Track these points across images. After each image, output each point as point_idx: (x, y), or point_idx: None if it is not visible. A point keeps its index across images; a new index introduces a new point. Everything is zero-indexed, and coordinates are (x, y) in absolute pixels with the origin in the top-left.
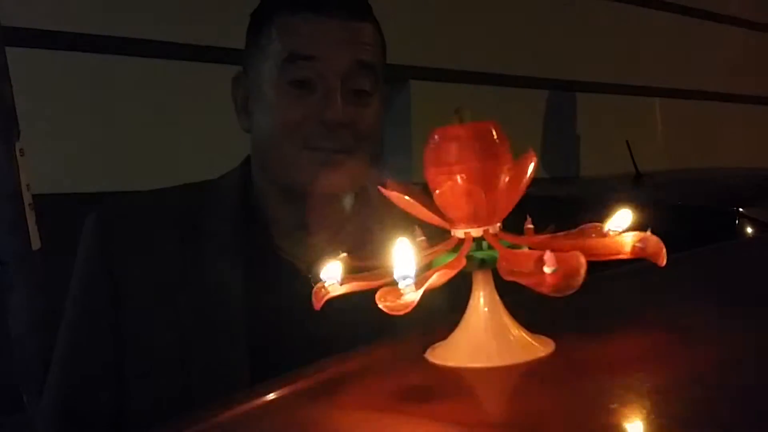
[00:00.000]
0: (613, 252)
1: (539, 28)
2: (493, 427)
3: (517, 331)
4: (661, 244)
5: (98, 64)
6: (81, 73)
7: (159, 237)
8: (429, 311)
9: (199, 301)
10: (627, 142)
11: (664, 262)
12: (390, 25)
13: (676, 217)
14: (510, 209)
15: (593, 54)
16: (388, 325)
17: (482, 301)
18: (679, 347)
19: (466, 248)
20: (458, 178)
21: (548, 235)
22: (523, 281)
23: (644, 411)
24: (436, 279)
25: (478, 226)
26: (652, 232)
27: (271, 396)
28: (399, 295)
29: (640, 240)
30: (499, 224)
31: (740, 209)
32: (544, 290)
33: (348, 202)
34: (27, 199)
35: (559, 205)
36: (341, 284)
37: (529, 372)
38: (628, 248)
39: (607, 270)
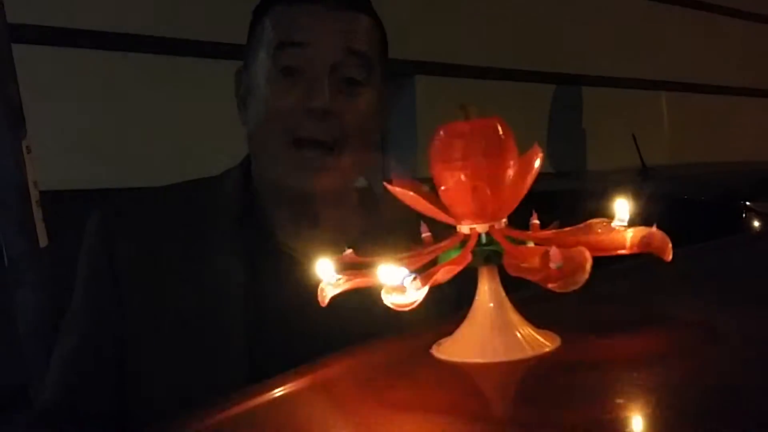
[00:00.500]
0: (618, 247)
1: (545, 22)
2: (500, 422)
3: (523, 327)
4: (667, 239)
5: (105, 61)
6: (88, 70)
7: (160, 234)
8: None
9: (202, 297)
10: (633, 135)
11: (670, 257)
12: (395, 21)
13: (682, 211)
14: (516, 205)
15: (599, 48)
16: (392, 318)
17: (488, 296)
18: (685, 342)
19: (472, 244)
20: (463, 174)
21: (554, 231)
22: (528, 277)
23: (650, 406)
24: (441, 275)
25: (484, 222)
26: (658, 227)
27: (275, 392)
28: (404, 291)
29: (646, 235)
30: (504, 220)
31: (747, 203)
32: (550, 286)
33: (350, 196)
34: (34, 196)
35: (565, 200)
36: (345, 281)
37: (536, 367)
38: (633, 243)
39: (612, 265)
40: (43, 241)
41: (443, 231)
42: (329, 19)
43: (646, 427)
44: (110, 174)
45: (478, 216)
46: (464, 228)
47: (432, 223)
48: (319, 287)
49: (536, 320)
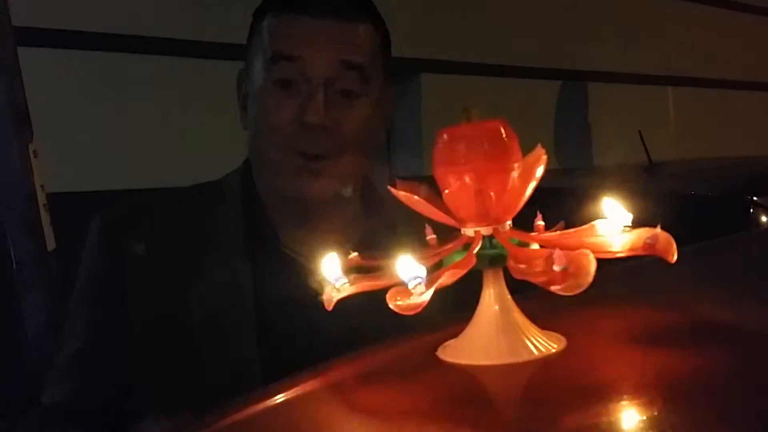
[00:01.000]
0: (622, 249)
1: (550, 19)
2: (505, 424)
3: (528, 329)
4: (671, 241)
5: (112, 63)
6: (94, 73)
7: (164, 239)
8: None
9: (207, 301)
10: (639, 132)
11: (675, 259)
12: (401, 19)
13: (689, 207)
14: (520, 207)
15: (605, 44)
16: (398, 318)
17: (493, 298)
18: (693, 342)
19: (476, 246)
20: (467, 177)
21: (558, 232)
22: (532, 279)
23: (657, 407)
24: (446, 278)
25: (488, 225)
26: (663, 224)
27: (283, 396)
28: (410, 294)
29: (650, 236)
30: (509, 222)
31: (754, 198)
32: (554, 288)
33: (352, 201)
34: (41, 200)
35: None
36: (351, 283)
37: (541, 369)
38: (638, 245)
39: (617, 265)
40: (50, 245)
41: (448, 233)
42: (321, 32)
43: (652, 428)
44: (117, 176)
45: (482, 219)
46: (468, 231)
47: (437, 225)
48: (324, 292)
49: (541, 322)
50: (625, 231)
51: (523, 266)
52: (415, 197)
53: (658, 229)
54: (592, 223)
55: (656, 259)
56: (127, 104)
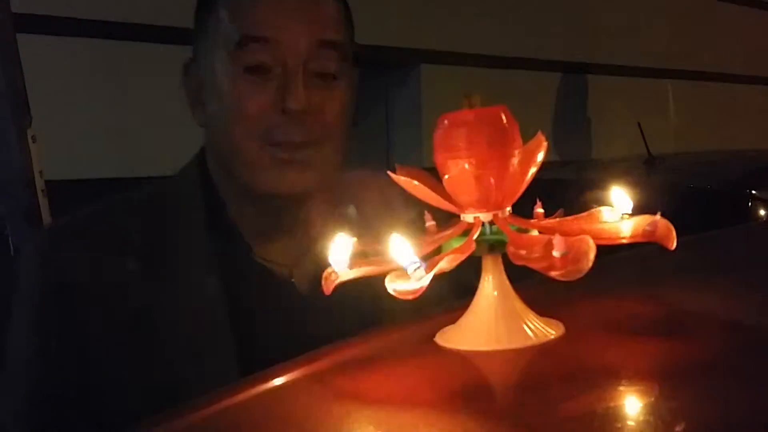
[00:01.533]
0: (622, 236)
1: (550, 10)
2: (503, 410)
3: (526, 315)
4: (671, 228)
5: (111, 50)
6: (93, 59)
7: (113, 259)
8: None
9: (176, 317)
10: (639, 124)
11: (674, 246)
12: (400, 9)
13: (688, 200)
14: (519, 194)
15: (605, 36)
16: (374, 322)
17: (492, 284)
18: (689, 331)
19: (476, 232)
20: (467, 163)
21: (557, 219)
22: (532, 265)
23: (654, 394)
24: (445, 263)
25: (488, 211)
26: (663, 215)
27: (276, 382)
28: (408, 279)
29: (650, 223)
30: (508, 208)
31: (753, 191)
32: (553, 274)
33: (324, 197)
34: (39, 185)
35: (571, 188)
36: (350, 268)
37: (539, 355)
38: (637, 232)
39: (616, 253)
40: None
41: (447, 220)
42: (294, 9)
43: (649, 415)
44: (116, 163)
45: (482, 205)
46: (468, 217)
47: (436, 211)
48: (324, 275)
49: (540, 308)
50: (625, 218)
51: (522, 252)
52: (415, 182)
53: (658, 216)
54: (592, 210)
55: (655, 247)
56: (126, 91)
